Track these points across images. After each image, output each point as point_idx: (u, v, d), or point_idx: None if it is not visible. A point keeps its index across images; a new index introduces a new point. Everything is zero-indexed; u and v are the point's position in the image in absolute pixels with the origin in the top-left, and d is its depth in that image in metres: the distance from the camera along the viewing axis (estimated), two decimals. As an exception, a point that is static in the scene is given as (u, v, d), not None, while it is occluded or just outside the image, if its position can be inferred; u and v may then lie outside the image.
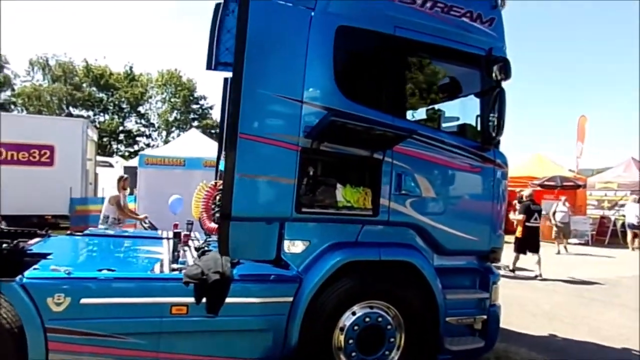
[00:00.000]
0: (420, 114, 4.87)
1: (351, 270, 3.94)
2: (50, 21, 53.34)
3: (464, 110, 4.78)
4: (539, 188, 19.31)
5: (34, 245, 4.28)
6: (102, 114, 42.59)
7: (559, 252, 14.38)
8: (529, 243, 10.22)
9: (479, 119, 4.51)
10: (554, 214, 14.84)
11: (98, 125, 39.00)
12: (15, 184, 12.08)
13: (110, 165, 18.93)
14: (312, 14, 3.87)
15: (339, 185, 4.03)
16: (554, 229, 14.92)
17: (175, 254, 4.04)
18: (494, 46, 4.52)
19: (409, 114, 4.67)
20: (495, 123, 4.26)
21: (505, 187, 4.72)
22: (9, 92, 38.96)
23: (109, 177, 17.21)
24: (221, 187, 4.11)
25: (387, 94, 4.18)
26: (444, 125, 4.80)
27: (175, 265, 3.80)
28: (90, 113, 41.44)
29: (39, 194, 12.34)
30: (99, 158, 18.12)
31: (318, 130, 3.69)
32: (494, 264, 4.79)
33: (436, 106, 4.87)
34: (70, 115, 37.00)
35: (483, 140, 4.38)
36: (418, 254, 4.21)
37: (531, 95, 54.72)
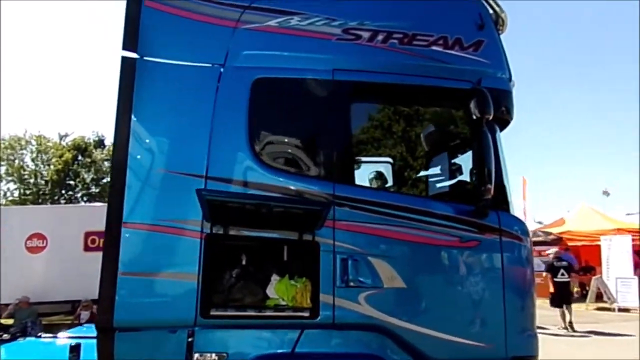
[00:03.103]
0: (386, 174, 3.79)
1: None
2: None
3: (453, 164, 3.60)
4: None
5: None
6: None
7: None
8: (560, 297, 11.13)
9: (467, 174, 3.31)
10: None
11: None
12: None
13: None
14: (222, 70, 3.24)
15: (273, 278, 3.11)
16: None
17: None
18: (484, 76, 3.40)
19: (370, 178, 3.63)
20: (480, 176, 3.03)
21: (528, 264, 3.31)
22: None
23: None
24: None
25: (325, 155, 3.26)
26: (433, 185, 3.66)
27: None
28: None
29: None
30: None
31: (203, 213, 2.90)
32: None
33: (410, 162, 3.76)
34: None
35: (473, 201, 3.15)
36: (383, 369, 2.99)
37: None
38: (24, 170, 37.60)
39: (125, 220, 2.95)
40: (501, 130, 3.64)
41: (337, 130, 3.27)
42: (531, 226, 21.72)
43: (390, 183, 3.77)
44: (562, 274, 11.27)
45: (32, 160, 37.78)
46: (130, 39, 3.13)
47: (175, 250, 3.00)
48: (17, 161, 38.06)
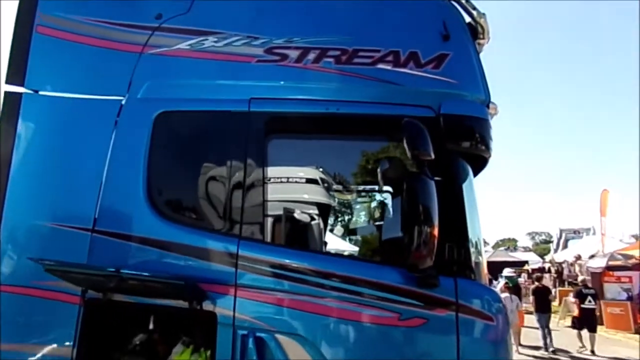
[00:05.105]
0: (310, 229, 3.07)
1: None
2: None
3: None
4: None
5: None
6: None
7: None
8: (585, 323, 11.78)
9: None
10: None
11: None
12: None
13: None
14: (122, 102, 2.77)
15: (175, 350, 2.59)
16: None
17: None
18: (447, 99, 2.64)
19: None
20: (411, 234, 2.28)
21: (497, 353, 2.48)
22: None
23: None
24: None
25: (233, 204, 2.65)
26: (378, 242, 2.93)
27: None
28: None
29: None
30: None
31: None
32: None
33: (347, 211, 3.04)
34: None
35: (409, 267, 2.39)
36: None
37: None
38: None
39: (2, 283, 2.57)
40: (477, 169, 2.84)
41: (248, 173, 2.66)
42: (616, 245, 19.26)
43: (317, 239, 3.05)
44: (590, 301, 12.03)
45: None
46: (17, 72, 2.76)
47: (49, 319, 2.56)
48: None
